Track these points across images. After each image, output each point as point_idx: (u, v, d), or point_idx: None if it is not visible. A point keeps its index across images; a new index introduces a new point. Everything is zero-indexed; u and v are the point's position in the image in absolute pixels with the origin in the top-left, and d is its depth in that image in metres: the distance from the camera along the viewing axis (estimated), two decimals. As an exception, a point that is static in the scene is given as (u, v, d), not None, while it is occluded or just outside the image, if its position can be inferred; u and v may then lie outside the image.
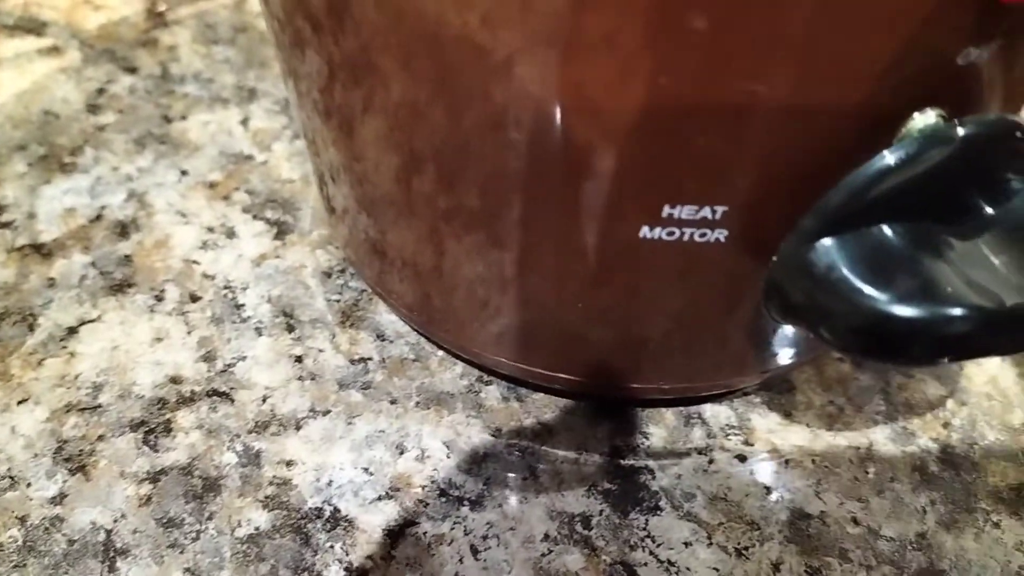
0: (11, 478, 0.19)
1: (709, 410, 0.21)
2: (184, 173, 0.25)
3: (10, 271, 0.23)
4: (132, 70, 0.28)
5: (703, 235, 0.15)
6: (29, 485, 0.19)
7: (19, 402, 0.20)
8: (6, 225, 0.24)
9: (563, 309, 0.19)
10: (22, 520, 0.19)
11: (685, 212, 0.15)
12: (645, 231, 0.15)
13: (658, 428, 0.21)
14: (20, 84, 0.27)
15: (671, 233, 0.15)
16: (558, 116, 0.15)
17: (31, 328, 0.22)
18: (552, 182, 0.16)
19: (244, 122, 0.27)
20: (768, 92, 0.14)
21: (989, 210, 0.15)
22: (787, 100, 0.14)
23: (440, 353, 0.22)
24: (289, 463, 0.20)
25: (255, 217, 0.24)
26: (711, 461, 0.20)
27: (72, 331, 0.22)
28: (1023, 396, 0.22)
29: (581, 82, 0.14)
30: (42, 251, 0.23)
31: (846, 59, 0.13)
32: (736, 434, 0.21)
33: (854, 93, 0.14)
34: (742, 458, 0.20)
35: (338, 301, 0.23)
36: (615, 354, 0.19)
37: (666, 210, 0.15)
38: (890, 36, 0.13)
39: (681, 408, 0.21)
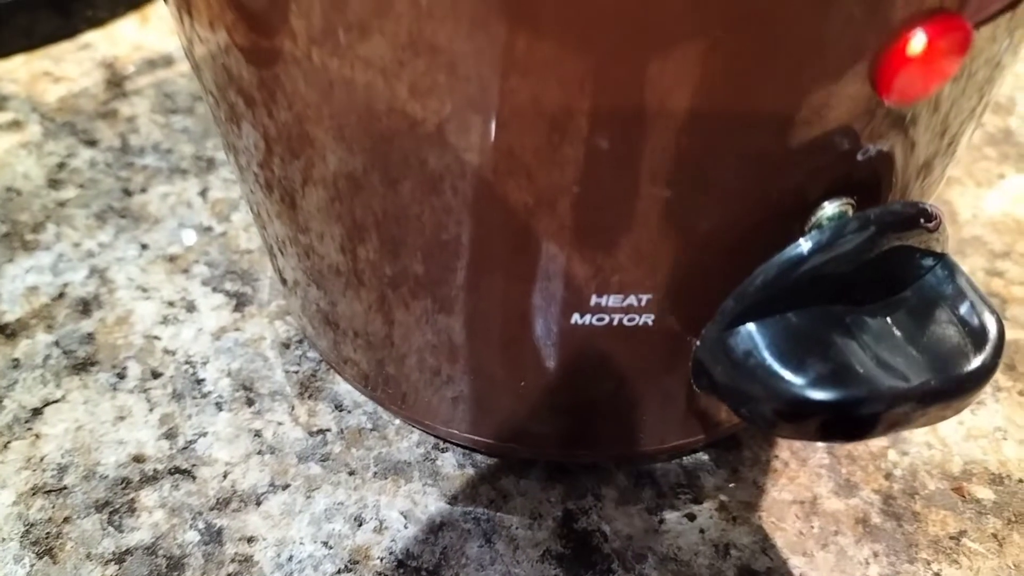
0: (-23, 565, 0.20)
1: (659, 468, 0.22)
2: (144, 247, 0.26)
3: (-26, 354, 0.23)
4: (92, 143, 0.28)
5: (631, 320, 0.16)
6: (-5, 572, 0.20)
7: (-16, 487, 0.21)
8: (-31, 307, 0.24)
9: (508, 381, 0.19)
10: (-12, 608, 0.19)
11: (612, 301, 0.16)
12: (576, 317, 0.16)
13: (609, 489, 0.21)
14: (-18, 161, 0.28)
15: (600, 319, 0.16)
16: (486, 188, 0.15)
17: (-5, 411, 0.22)
18: (484, 260, 0.17)
19: (203, 193, 0.27)
20: (685, 188, 0.14)
21: (899, 290, 0.16)
22: (703, 192, 0.14)
23: (397, 421, 0.22)
24: (250, 539, 0.20)
25: (215, 290, 0.25)
26: (661, 521, 0.21)
27: (37, 412, 0.22)
28: (962, 444, 0.23)
29: (508, 153, 0.14)
30: (6, 332, 0.24)
31: (758, 156, 0.14)
32: (685, 492, 0.22)
33: (766, 186, 0.15)
34: (691, 517, 0.21)
35: (296, 372, 0.23)
36: (562, 423, 0.20)
37: (594, 299, 0.16)
38: (797, 136, 0.14)
39: (632, 467, 0.22)
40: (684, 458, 0.22)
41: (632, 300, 0.16)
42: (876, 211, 0.15)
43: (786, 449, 0.22)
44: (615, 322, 0.16)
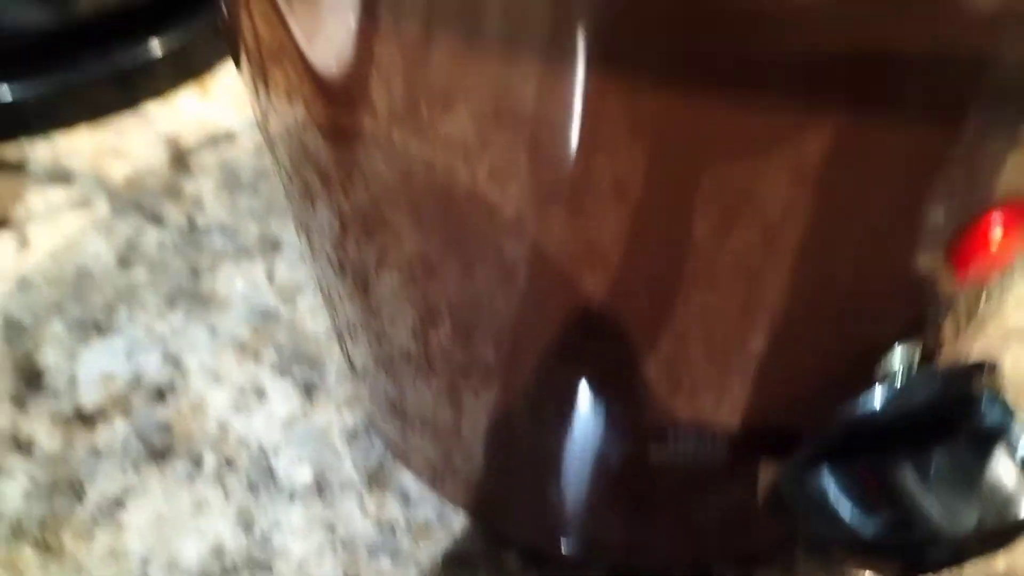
0: (69, 658, 0.21)
1: (716, 568, 0.23)
2: (215, 331, 0.27)
3: (56, 441, 0.24)
4: (159, 221, 0.29)
5: (706, 452, 0.17)
6: (86, 665, 0.21)
7: (72, 578, 0.22)
8: (51, 392, 0.25)
9: (575, 488, 0.20)
10: None
11: (686, 443, 0.17)
12: (652, 454, 0.17)
13: (668, 587, 0.22)
14: (53, 241, 0.29)
15: (677, 451, 0.17)
16: (563, 280, 0.16)
17: (80, 499, 0.23)
18: (560, 353, 0.17)
19: (269, 275, 0.28)
20: (771, 341, 0.15)
21: (961, 432, 0.17)
22: (789, 345, 0.15)
23: (462, 514, 0.23)
24: (327, 635, 0.21)
25: (283, 375, 0.26)
26: (719, 618, 0.22)
27: (118, 502, 0.23)
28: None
29: (591, 244, 0.15)
30: (85, 420, 0.25)
31: (839, 315, 0.15)
32: (741, 589, 0.22)
33: (844, 341, 0.15)
34: (748, 613, 0.22)
35: (364, 464, 0.24)
36: (625, 534, 0.21)
37: (669, 442, 0.17)
38: (879, 302, 0.15)
39: (692, 569, 0.23)
40: (743, 563, 0.23)
41: (705, 443, 0.17)
42: (944, 368, 0.16)
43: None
44: (691, 453, 0.17)
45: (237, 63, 0.18)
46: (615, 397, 0.17)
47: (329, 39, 0.14)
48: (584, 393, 0.18)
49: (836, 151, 0.12)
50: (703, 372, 0.16)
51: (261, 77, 0.17)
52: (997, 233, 0.13)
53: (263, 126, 0.19)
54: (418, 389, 0.22)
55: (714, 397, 0.16)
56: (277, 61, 0.16)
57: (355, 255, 0.19)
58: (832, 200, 0.13)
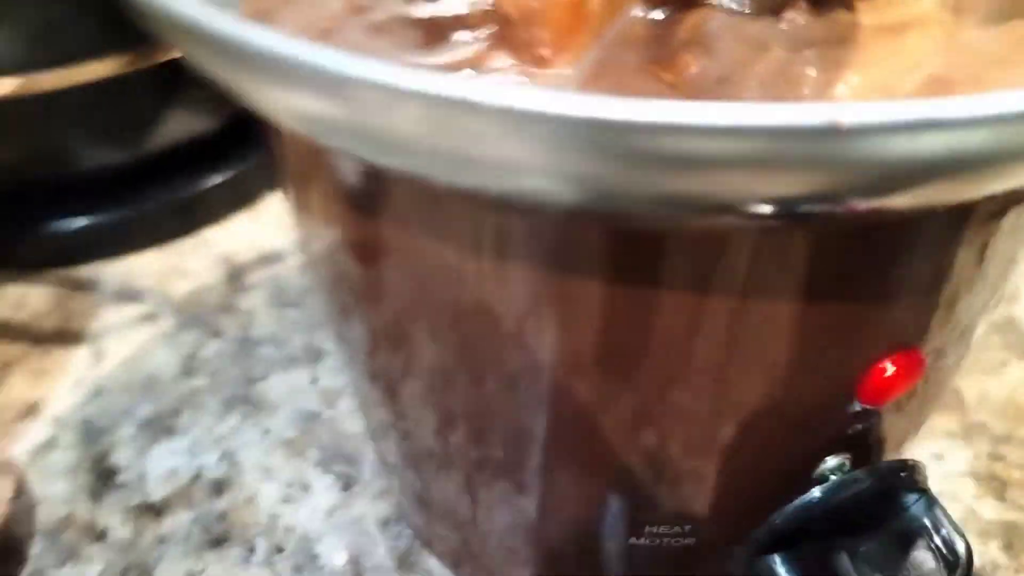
0: None
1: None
2: (266, 431, 0.31)
3: (128, 529, 0.28)
4: (217, 334, 0.34)
5: (677, 541, 0.20)
6: None
7: (143, 651, 0.25)
8: (122, 487, 0.29)
9: (577, 570, 0.24)
10: None
11: (662, 529, 0.20)
12: (633, 539, 0.20)
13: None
14: (124, 352, 0.33)
15: (653, 540, 0.20)
16: (556, 391, 0.19)
17: (149, 582, 0.27)
18: (555, 455, 0.21)
19: (313, 381, 0.32)
20: (722, 455, 0.19)
21: (890, 520, 0.20)
22: (734, 456, 0.19)
23: (480, 594, 0.27)
24: None
25: (325, 471, 0.29)
26: None
27: (182, 585, 0.27)
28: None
29: (573, 369, 0.19)
30: (153, 510, 0.28)
31: (775, 435, 0.19)
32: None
33: (783, 453, 0.19)
34: None
35: (395, 548, 0.28)
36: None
37: (647, 529, 0.20)
38: (802, 420, 0.18)
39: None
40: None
41: (678, 528, 0.20)
42: (873, 468, 0.19)
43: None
44: (664, 542, 0.20)
45: (284, 192, 0.22)
46: (603, 493, 0.21)
47: (351, 191, 0.18)
48: (578, 486, 0.21)
49: (751, 324, 0.16)
50: (674, 476, 0.20)
51: (301, 205, 0.21)
52: (889, 373, 0.17)
53: (305, 248, 0.23)
54: (439, 483, 0.25)
55: (684, 495, 0.20)
56: (311, 192, 0.20)
57: (383, 365, 0.23)
58: (756, 358, 0.16)
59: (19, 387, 0.32)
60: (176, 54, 0.34)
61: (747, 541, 0.20)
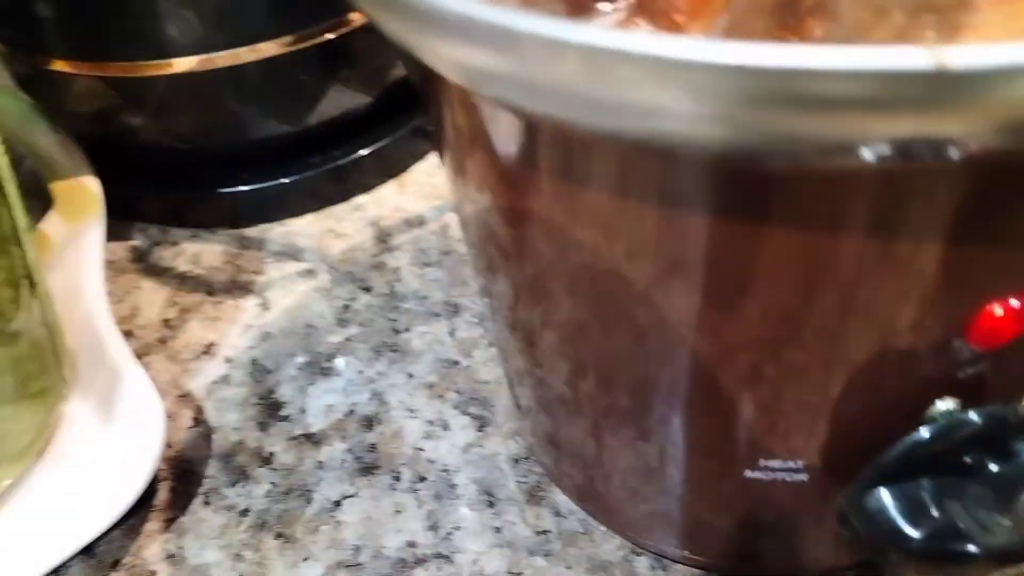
0: (302, 616, 0.27)
1: (815, 582, 0.27)
2: (410, 376, 0.34)
3: (291, 456, 0.32)
4: (368, 289, 0.37)
5: (790, 477, 0.22)
6: (315, 622, 0.27)
7: (303, 559, 0.29)
8: (286, 419, 0.33)
9: (690, 506, 0.25)
10: (312, 648, 0.27)
11: (775, 464, 0.22)
12: (748, 472, 0.22)
13: (773, 596, 0.27)
14: (287, 302, 0.37)
15: (767, 474, 0.22)
16: (683, 344, 0.21)
17: (308, 501, 0.30)
18: (679, 406, 0.23)
19: (451, 333, 0.35)
20: (844, 392, 0.20)
21: (998, 463, 0.21)
22: (854, 393, 0.20)
23: (603, 528, 0.29)
24: (494, 613, 0.27)
25: (462, 413, 0.32)
26: (815, 625, 0.26)
27: (337, 504, 0.30)
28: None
29: (701, 317, 0.21)
30: (312, 440, 0.32)
31: (894, 375, 0.20)
32: (836, 604, 0.27)
33: (897, 392, 0.20)
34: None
35: (524, 483, 0.30)
36: (734, 543, 0.26)
37: (762, 462, 0.22)
38: (918, 363, 0.20)
39: (793, 579, 0.27)
40: (838, 573, 0.27)
41: (791, 464, 0.22)
42: (983, 412, 0.20)
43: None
44: (777, 477, 0.22)
45: (441, 159, 0.25)
46: (722, 432, 0.23)
47: (506, 146, 0.21)
48: (697, 428, 0.23)
49: (870, 265, 0.17)
50: (789, 414, 0.21)
51: (459, 171, 0.24)
52: (999, 316, 0.18)
53: (458, 210, 0.25)
54: (568, 426, 0.27)
55: (797, 432, 0.21)
56: (470, 159, 0.22)
57: (524, 317, 0.25)
58: (872, 300, 0.18)
59: (197, 331, 0.36)
60: (336, 35, 0.37)
61: (857, 478, 0.21)
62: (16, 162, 0.29)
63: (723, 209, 0.18)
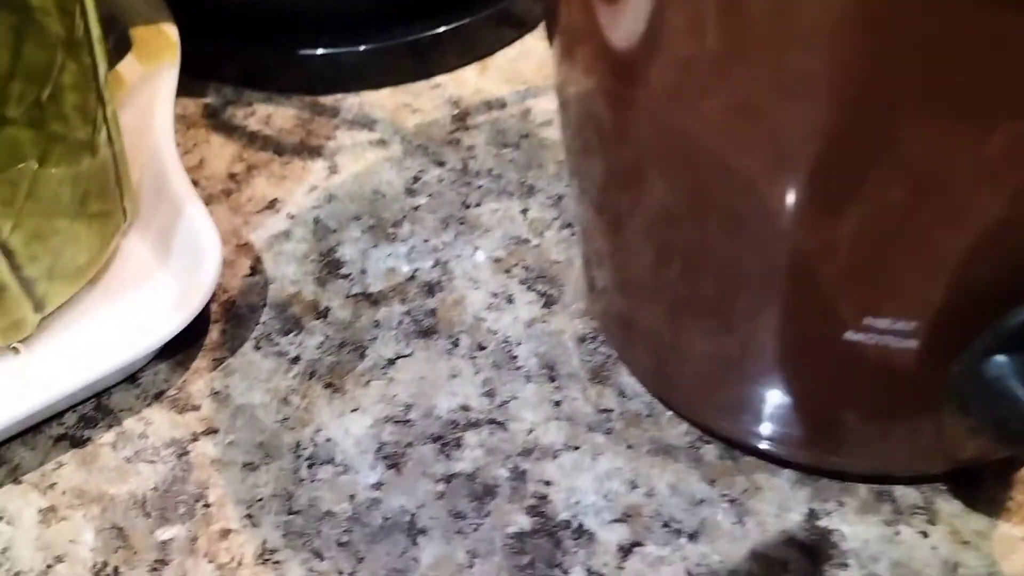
0: (344, 465, 0.26)
1: (898, 490, 0.25)
2: (476, 249, 0.32)
3: (347, 312, 0.30)
4: (440, 163, 0.35)
5: (897, 342, 0.20)
6: (357, 473, 0.26)
7: (352, 410, 0.27)
8: (345, 277, 0.31)
9: (772, 388, 0.23)
10: (351, 498, 0.25)
11: (882, 324, 0.19)
12: (850, 334, 0.20)
13: (851, 499, 0.25)
14: (355, 168, 0.35)
15: (870, 338, 0.20)
16: (782, 234, 0.19)
17: (361, 356, 0.29)
18: (774, 286, 0.21)
19: (524, 212, 0.33)
20: (961, 246, 0.18)
21: None
22: (975, 249, 0.18)
23: (669, 413, 0.27)
24: (547, 483, 0.25)
25: (528, 288, 0.31)
26: (897, 533, 0.24)
27: (391, 362, 0.29)
28: None
29: (807, 207, 0.19)
30: (370, 299, 0.31)
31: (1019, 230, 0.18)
32: (921, 513, 0.24)
33: (1011, 257, 0.18)
34: (924, 535, 0.24)
35: (589, 362, 0.28)
36: (816, 431, 0.24)
37: (867, 320, 0.19)
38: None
39: (873, 485, 0.25)
40: (923, 485, 0.25)
41: (900, 325, 0.19)
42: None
43: (1022, 492, 0.25)
44: (882, 342, 0.20)
45: (551, 40, 0.23)
46: (823, 287, 0.20)
47: (624, 33, 0.19)
48: (796, 284, 0.21)
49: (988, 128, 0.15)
50: (902, 267, 0.19)
51: (568, 53, 0.22)
52: None
53: (560, 90, 0.24)
54: (647, 310, 0.26)
55: (911, 289, 0.19)
56: (582, 43, 0.21)
57: (615, 199, 0.24)
58: (991, 164, 0.16)
59: (262, 187, 0.35)
60: None
61: (973, 344, 0.19)
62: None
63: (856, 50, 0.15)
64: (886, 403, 0.22)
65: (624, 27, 0.19)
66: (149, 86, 0.34)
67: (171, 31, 0.37)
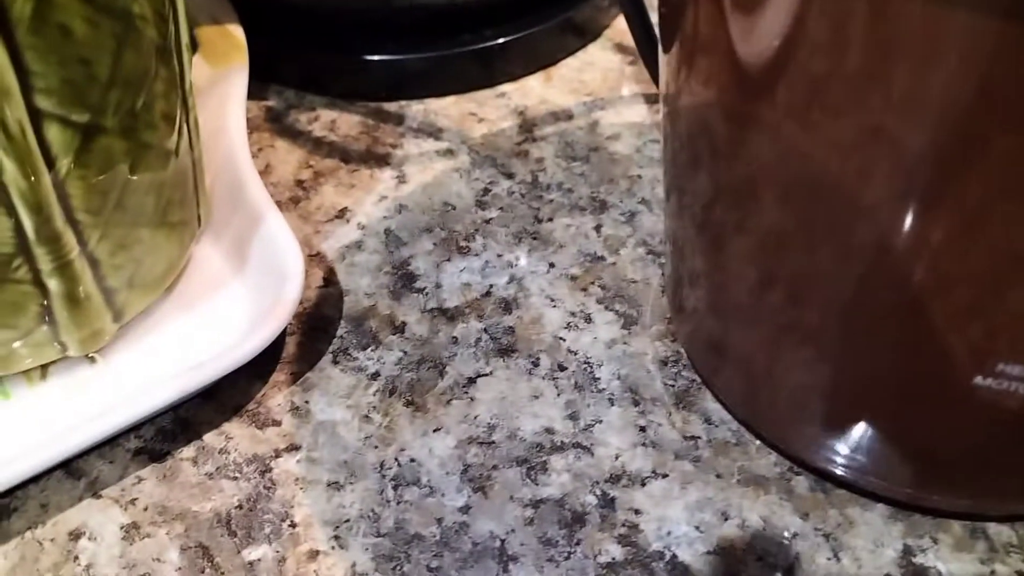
0: (430, 487, 0.26)
1: (992, 528, 0.25)
2: (552, 265, 0.32)
3: (424, 327, 0.30)
4: (510, 176, 0.35)
5: (999, 394, 0.19)
6: (443, 495, 0.26)
7: (434, 430, 0.27)
8: (420, 291, 0.31)
9: (878, 426, 0.23)
10: (439, 521, 0.25)
11: (1017, 370, 0.19)
12: (978, 379, 0.20)
13: (946, 536, 0.24)
14: (424, 179, 0.35)
15: (1000, 383, 0.19)
16: (909, 269, 0.19)
17: (441, 374, 0.29)
18: (892, 324, 0.20)
19: (597, 228, 0.33)
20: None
21: None
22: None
23: (758, 442, 0.27)
24: (636, 511, 0.25)
25: (606, 308, 0.30)
26: (992, 572, 0.24)
27: (471, 380, 0.28)
28: None
29: (935, 242, 0.18)
30: (447, 315, 0.30)
31: None
32: (1016, 552, 0.24)
33: None
34: (1020, 574, 0.24)
35: (673, 386, 0.28)
36: (913, 467, 0.23)
37: (1000, 367, 0.19)
38: None
39: (966, 522, 0.25)
40: (1017, 522, 0.25)
41: (1002, 373, 0.19)
42: None
43: (1120, 535, 0.24)
44: (1012, 388, 0.19)
45: (667, 48, 0.23)
46: (951, 332, 0.20)
47: (756, 47, 0.18)
48: (911, 355, 0.20)
49: None
50: (1000, 317, 0.19)
51: (687, 61, 0.21)
52: None
53: (671, 100, 0.23)
54: (741, 335, 0.25)
55: (1007, 339, 0.19)
56: (706, 53, 0.20)
57: (719, 217, 0.23)
58: None
59: (330, 195, 0.34)
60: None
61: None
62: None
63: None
64: (1001, 446, 0.21)
65: (757, 40, 0.18)
66: (219, 89, 0.34)
67: (237, 32, 0.36)
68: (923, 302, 0.20)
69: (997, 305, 0.19)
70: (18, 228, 0.23)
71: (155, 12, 0.24)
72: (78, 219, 0.24)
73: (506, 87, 0.39)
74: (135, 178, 0.25)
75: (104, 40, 0.23)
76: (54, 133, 0.22)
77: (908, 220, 0.18)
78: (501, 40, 0.39)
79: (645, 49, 0.28)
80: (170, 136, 0.26)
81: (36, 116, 0.22)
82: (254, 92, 0.38)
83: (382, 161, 0.36)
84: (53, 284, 0.25)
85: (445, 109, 0.38)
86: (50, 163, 0.23)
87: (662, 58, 0.23)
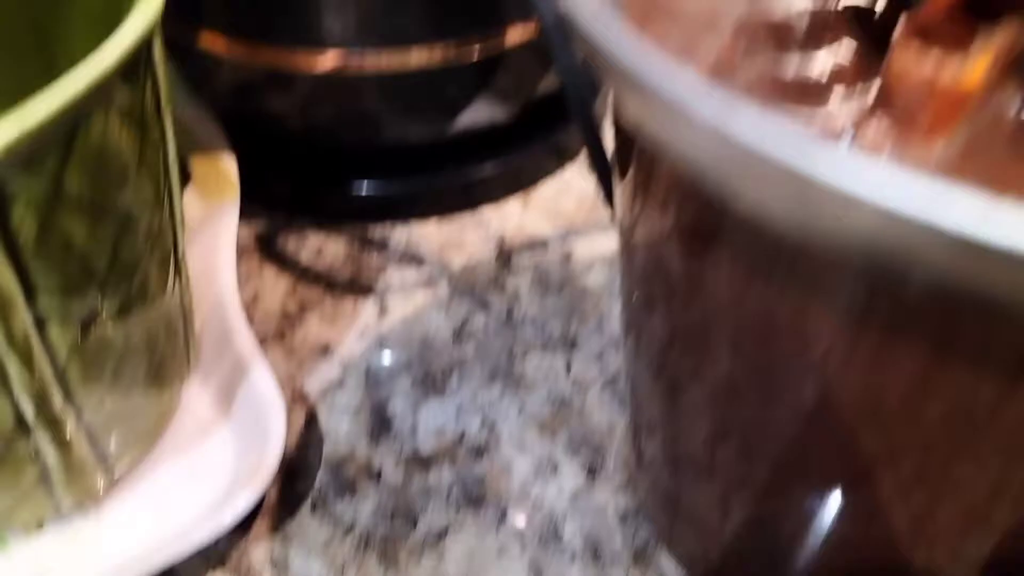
0: (400, 645, 0.27)
1: None
2: (523, 408, 0.33)
3: (399, 475, 0.31)
4: (486, 307, 0.37)
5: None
6: (412, 653, 0.27)
7: (405, 585, 0.29)
8: (396, 435, 0.33)
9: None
10: None
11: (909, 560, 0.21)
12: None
13: None
14: (404, 311, 0.37)
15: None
16: (855, 433, 0.19)
17: (413, 526, 0.30)
18: (844, 491, 0.21)
19: (567, 367, 0.34)
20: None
21: None
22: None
23: (709, 603, 0.28)
24: (592, 676, 0.27)
25: (573, 454, 0.32)
26: None
27: (441, 534, 0.30)
28: None
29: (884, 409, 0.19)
30: (421, 462, 0.32)
31: None
32: None
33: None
34: None
35: (632, 542, 0.30)
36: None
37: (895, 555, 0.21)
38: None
39: None
40: None
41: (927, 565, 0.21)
42: None
43: None
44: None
45: (621, 177, 0.22)
46: (864, 522, 0.21)
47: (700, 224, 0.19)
48: (833, 515, 0.22)
49: None
50: (929, 517, 0.20)
51: (643, 188, 0.21)
52: None
53: (626, 235, 0.23)
54: (694, 488, 0.26)
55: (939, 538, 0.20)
56: (654, 193, 0.21)
57: (674, 363, 0.23)
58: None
59: (315, 327, 0.36)
60: (489, 52, 0.36)
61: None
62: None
63: (915, 336, 0.17)
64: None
65: (700, 221, 0.19)
66: (210, 228, 0.36)
67: (230, 164, 0.38)
68: (874, 471, 0.21)
69: (944, 478, 0.20)
70: (18, 414, 0.25)
71: (151, 205, 0.26)
72: (75, 397, 0.26)
73: (487, 212, 0.41)
74: (130, 348, 0.27)
75: (103, 239, 0.24)
76: (56, 332, 0.24)
77: (851, 385, 0.18)
78: (486, 171, 0.40)
79: (601, 178, 0.26)
80: (163, 300, 0.28)
81: (40, 321, 0.23)
82: (245, 212, 0.39)
83: (365, 290, 0.37)
84: (51, 458, 0.26)
85: (428, 234, 0.40)
86: (51, 357, 0.24)
87: (617, 187, 0.23)
